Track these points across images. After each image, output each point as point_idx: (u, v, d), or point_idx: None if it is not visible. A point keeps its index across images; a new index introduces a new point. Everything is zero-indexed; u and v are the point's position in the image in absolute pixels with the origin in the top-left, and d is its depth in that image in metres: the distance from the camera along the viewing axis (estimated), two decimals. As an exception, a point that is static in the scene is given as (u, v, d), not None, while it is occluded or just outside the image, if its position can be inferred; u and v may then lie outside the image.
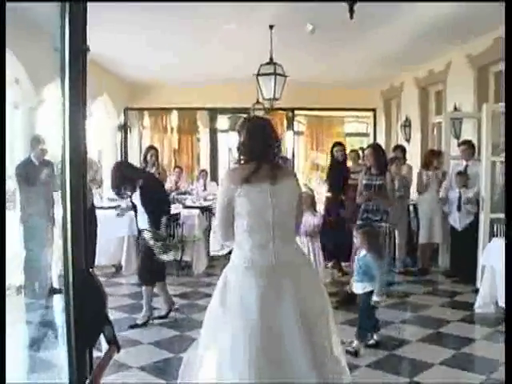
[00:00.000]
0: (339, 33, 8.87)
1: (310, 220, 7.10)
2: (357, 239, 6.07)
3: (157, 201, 6.61)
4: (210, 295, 7.68)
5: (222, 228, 3.66)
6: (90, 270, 1.87)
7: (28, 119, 8.36)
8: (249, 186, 3.47)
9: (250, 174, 3.49)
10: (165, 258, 6.62)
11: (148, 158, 8.72)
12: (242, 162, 3.64)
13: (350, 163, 10.03)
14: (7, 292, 7.65)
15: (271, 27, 8.31)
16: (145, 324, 6.67)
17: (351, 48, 10.12)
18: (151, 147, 9.38)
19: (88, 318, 1.79)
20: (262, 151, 3.57)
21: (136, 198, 6.55)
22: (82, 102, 1.90)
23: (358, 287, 5.83)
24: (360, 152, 10.43)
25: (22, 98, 8.22)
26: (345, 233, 8.38)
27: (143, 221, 6.57)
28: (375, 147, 7.60)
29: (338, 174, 9.40)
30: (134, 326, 6.56)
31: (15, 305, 7.09)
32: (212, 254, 4.36)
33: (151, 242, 6.46)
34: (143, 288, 6.88)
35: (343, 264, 9.03)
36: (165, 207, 6.89)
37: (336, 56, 10.90)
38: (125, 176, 6.49)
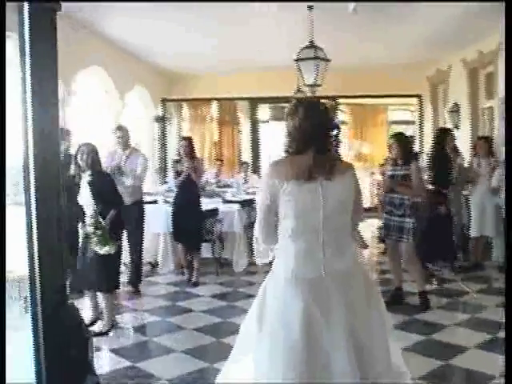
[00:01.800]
0: (382, 13, 8.37)
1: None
2: None
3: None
4: (250, 296, 7.34)
5: (262, 231, 3.14)
6: (69, 302, 1.44)
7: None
8: (297, 182, 2.94)
9: (299, 167, 2.97)
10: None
11: (180, 150, 8.30)
12: (292, 152, 3.09)
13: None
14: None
15: (310, 8, 7.80)
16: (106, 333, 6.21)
17: (395, 30, 9.58)
18: (184, 138, 8.93)
19: (64, 367, 1.34)
20: (318, 139, 3.03)
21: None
22: (51, 82, 1.49)
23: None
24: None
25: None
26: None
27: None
28: (399, 136, 7.08)
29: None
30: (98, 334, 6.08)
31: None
32: (258, 263, 3.99)
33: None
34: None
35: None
36: None
37: (379, 39, 10.36)
38: None
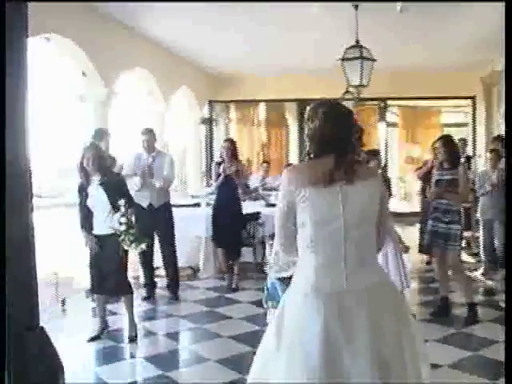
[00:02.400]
0: (432, 11, 8.02)
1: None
2: None
3: None
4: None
5: (282, 243, 2.91)
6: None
7: (97, 113, 7.97)
8: (315, 187, 2.70)
9: (318, 171, 2.72)
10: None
11: (223, 152, 8.12)
12: (312, 155, 2.85)
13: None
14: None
15: (356, 7, 7.54)
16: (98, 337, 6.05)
17: (446, 28, 9.20)
18: (226, 140, 8.72)
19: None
20: (339, 142, 2.78)
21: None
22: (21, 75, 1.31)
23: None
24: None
25: (88, 91, 7.81)
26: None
27: None
28: (445, 139, 6.73)
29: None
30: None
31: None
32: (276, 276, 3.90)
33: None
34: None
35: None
36: None
37: (429, 38, 9.99)
38: None
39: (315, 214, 2.72)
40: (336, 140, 2.78)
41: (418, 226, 11.50)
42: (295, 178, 2.77)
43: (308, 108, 2.91)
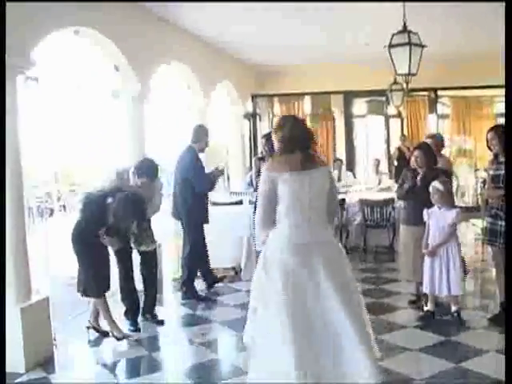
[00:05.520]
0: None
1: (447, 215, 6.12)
2: None
3: None
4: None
5: (263, 218, 4.01)
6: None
7: (132, 109, 7.68)
8: (291, 173, 3.90)
9: (292, 162, 3.94)
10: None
11: (264, 147, 7.78)
12: (284, 152, 4.04)
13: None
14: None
15: (404, -9, 7.07)
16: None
17: (498, 14, 8.63)
18: (267, 134, 8.32)
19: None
20: (302, 143, 4.01)
21: None
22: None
23: None
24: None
25: (122, 87, 7.52)
26: None
27: None
28: (498, 130, 6.08)
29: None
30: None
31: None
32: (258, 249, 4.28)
33: None
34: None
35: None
36: None
37: (481, 24, 9.43)
38: None
39: (292, 190, 3.90)
40: (301, 141, 4.01)
41: (471, 221, 11.03)
42: (277, 167, 3.97)
43: (277, 120, 4.42)
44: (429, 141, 7.47)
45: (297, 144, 3.99)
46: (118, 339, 5.94)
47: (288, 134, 4.02)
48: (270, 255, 3.96)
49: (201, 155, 7.58)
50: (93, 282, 5.90)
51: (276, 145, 4.13)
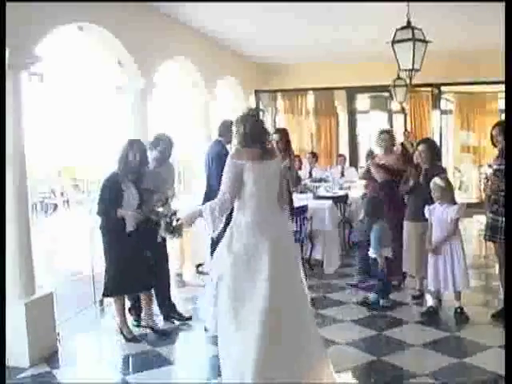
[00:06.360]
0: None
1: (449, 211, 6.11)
2: None
3: None
4: (341, 303, 6.72)
5: (224, 201, 4.38)
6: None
7: (135, 105, 7.67)
8: (253, 162, 4.37)
9: (253, 153, 4.41)
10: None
11: (274, 144, 7.70)
12: (245, 145, 4.46)
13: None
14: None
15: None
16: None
17: (503, 11, 8.62)
18: (277, 130, 8.08)
19: None
20: (260, 137, 4.50)
21: None
22: None
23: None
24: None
25: (126, 82, 7.51)
26: None
27: None
28: (502, 125, 6.11)
29: None
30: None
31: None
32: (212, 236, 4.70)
33: None
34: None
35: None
36: None
37: (484, 19, 9.38)
38: None
39: (254, 177, 4.37)
40: (259, 136, 4.50)
41: (475, 217, 11.03)
42: (243, 156, 4.38)
43: (237, 117, 4.62)
44: (382, 136, 7.61)
45: (256, 139, 4.49)
46: (127, 339, 5.93)
47: (249, 131, 4.50)
48: (235, 233, 4.40)
49: None
50: (111, 280, 5.85)
51: (238, 138, 4.53)
